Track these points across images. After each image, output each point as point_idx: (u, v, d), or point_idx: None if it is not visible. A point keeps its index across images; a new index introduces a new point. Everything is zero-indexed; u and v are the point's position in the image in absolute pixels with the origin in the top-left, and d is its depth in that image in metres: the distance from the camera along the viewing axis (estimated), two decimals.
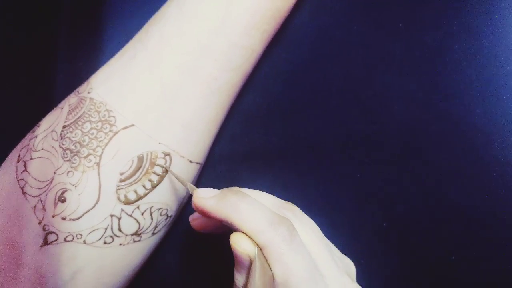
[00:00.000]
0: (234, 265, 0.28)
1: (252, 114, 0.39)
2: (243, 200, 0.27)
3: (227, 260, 0.38)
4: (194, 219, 0.32)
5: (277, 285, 0.25)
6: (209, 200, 0.28)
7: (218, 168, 0.39)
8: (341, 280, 0.28)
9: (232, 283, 0.28)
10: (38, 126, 0.32)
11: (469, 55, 0.38)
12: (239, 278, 0.27)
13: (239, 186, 0.39)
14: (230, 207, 0.27)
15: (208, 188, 0.29)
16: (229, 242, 0.27)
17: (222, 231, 0.32)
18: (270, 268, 0.26)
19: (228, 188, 0.29)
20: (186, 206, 0.36)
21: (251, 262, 0.26)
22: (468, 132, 0.38)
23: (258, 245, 0.26)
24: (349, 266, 0.32)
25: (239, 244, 0.26)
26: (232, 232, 0.27)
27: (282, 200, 0.31)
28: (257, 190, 0.30)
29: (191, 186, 0.30)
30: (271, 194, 0.31)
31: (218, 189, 0.38)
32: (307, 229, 0.29)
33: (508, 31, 0.38)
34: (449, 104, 0.38)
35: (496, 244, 0.37)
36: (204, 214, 0.28)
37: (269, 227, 0.26)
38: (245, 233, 0.26)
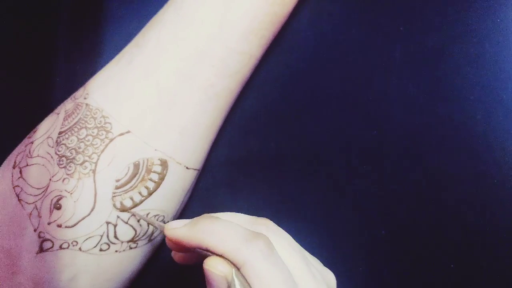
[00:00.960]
0: None
1: (249, 119, 0.39)
2: (215, 223, 0.26)
3: None
4: (175, 254, 0.31)
5: None
6: (180, 229, 0.26)
7: (215, 174, 0.38)
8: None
9: None
10: (34, 132, 0.32)
11: (470, 58, 0.38)
12: None
13: (237, 193, 0.38)
14: (203, 231, 0.26)
15: (179, 220, 0.28)
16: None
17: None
18: (249, 286, 0.25)
19: (199, 216, 0.28)
20: (183, 212, 0.36)
21: (228, 285, 0.25)
22: (469, 137, 0.37)
23: (235, 265, 0.25)
24: (329, 278, 0.30)
25: (215, 267, 0.25)
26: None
27: (255, 217, 0.29)
28: (228, 212, 0.29)
29: (159, 224, 0.29)
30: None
31: (217, 194, 0.38)
32: (283, 242, 0.28)
33: (509, 35, 0.38)
34: (449, 109, 0.38)
35: (497, 251, 0.36)
36: (177, 245, 0.27)
37: (245, 243, 0.25)
38: (220, 256, 0.25)
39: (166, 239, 0.28)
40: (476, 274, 0.37)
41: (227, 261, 0.25)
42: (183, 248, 0.27)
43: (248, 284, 0.25)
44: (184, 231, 0.26)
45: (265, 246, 0.25)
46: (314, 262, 0.30)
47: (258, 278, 0.24)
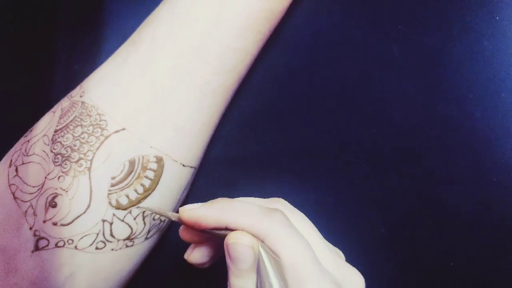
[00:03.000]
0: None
1: (248, 118, 0.39)
2: (233, 201, 0.27)
3: (224, 264, 0.38)
4: (189, 255, 0.30)
5: (286, 268, 0.25)
6: (198, 209, 0.27)
7: (213, 172, 0.38)
8: (335, 261, 0.28)
9: None
10: (31, 131, 0.32)
11: (469, 57, 0.38)
12: (240, 283, 0.26)
13: (235, 191, 0.38)
14: (222, 209, 0.26)
15: (192, 204, 0.28)
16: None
17: (219, 255, 0.31)
18: (275, 254, 0.25)
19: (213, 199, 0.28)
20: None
21: (254, 257, 0.25)
22: (468, 136, 0.37)
23: (257, 238, 0.26)
24: (339, 252, 0.31)
25: (241, 238, 0.25)
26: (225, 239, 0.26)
27: (267, 199, 0.30)
28: (241, 197, 0.30)
29: (172, 214, 0.29)
30: (267, 199, 0.31)
31: (215, 193, 0.38)
32: (297, 217, 0.29)
33: (508, 33, 0.38)
34: (448, 108, 0.38)
35: (496, 250, 0.36)
36: (195, 226, 0.27)
37: (265, 216, 0.26)
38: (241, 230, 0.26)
39: (181, 226, 0.28)
40: (475, 273, 0.36)
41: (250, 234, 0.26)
42: (197, 230, 0.27)
43: (274, 252, 0.25)
44: (202, 211, 0.27)
45: (283, 217, 0.26)
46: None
47: (284, 245, 0.25)
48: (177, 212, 0.29)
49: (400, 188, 0.37)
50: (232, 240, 0.25)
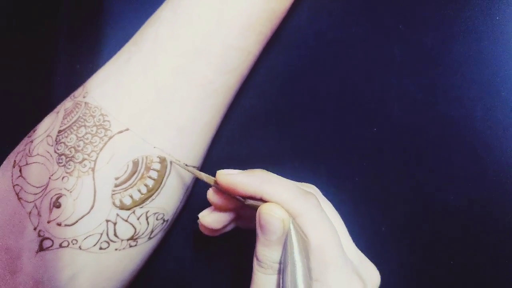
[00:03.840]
0: (255, 245, 0.27)
1: (249, 117, 0.39)
2: (272, 175, 0.28)
3: (226, 264, 0.38)
4: (204, 216, 0.32)
5: (312, 249, 0.26)
6: (236, 175, 0.28)
7: (215, 171, 0.38)
8: (357, 253, 0.29)
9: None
10: (34, 131, 0.32)
11: (469, 56, 0.38)
12: (266, 253, 0.27)
13: None
14: (260, 179, 0.27)
15: (229, 169, 0.29)
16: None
17: (230, 228, 0.33)
18: (303, 233, 0.26)
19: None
20: (183, 210, 0.36)
21: (283, 231, 0.26)
22: (468, 135, 0.37)
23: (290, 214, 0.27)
24: None
25: (274, 210, 0.26)
26: (256, 211, 0.27)
27: (300, 182, 0.32)
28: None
29: (206, 176, 0.30)
30: (300, 182, 0.32)
31: None
32: (327, 206, 0.30)
33: (508, 33, 0.38)
34: (449, 107, 0.38)
35: (496, 249, 0.36)
36: (230, 190, 0.28)
37: (301, 196, 0.27)
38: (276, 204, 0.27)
39: (210, 191, 0.30)
40: (475, 272, 0.37)
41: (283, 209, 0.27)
42: (230, 195, 0.29)
43: (303, 231, 0.26)
44: (241, 177, 0.28)
45: (317, 201, 0.27)
46: None
47: (314, 227, 0.26)
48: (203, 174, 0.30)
49: (401, 187, 0.38)
50: (265, 211, 0.26)
